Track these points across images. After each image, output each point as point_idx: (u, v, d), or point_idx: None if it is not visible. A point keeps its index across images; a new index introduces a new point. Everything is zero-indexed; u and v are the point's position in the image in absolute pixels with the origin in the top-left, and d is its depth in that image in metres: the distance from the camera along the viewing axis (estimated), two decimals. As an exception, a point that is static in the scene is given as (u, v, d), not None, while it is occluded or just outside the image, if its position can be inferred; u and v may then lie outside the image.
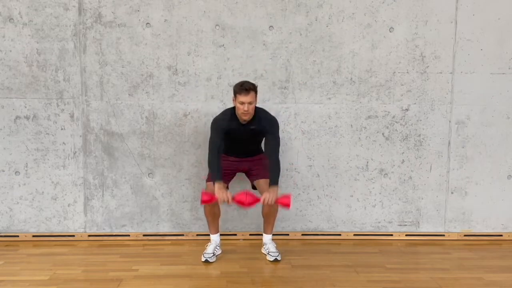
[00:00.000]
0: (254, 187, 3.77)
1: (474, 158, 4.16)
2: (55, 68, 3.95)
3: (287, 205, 3.46)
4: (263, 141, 3.75)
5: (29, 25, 3.90)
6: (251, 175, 3.77)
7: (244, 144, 3.68)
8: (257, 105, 3.58)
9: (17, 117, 3.98)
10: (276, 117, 4.02)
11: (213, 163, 3.53)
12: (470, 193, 4.19)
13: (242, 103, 3.44)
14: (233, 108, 3.57)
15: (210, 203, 3.50)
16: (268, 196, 3.43)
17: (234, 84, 3.59)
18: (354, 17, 4.00)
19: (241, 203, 3.41)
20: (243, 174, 3.83)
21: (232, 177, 3.78)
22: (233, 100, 3.54)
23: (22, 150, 4.01)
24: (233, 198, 3.41)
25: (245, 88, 3.44)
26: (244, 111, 3.45)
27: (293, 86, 4.05)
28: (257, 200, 3.43)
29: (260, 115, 3.59)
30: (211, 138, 3.61)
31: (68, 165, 4.03)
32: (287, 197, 3.48)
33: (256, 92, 3.50)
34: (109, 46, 3.95)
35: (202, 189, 3.65)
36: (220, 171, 3.50)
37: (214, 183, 3.45)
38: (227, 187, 3.65)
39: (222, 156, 3.65)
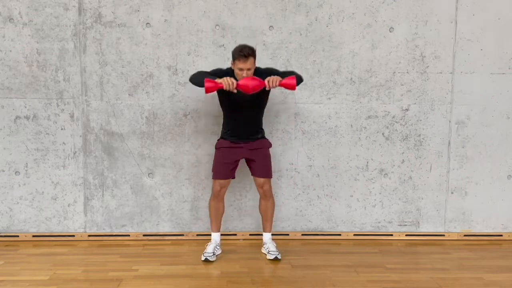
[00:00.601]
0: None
1: (474, 158, 4.16)
2: (55, 68, 3.95)
3: (292, 85, 3.35)
4: (263, 118, 3.70)
5: (29, 25, 3.90)
6: (251, 168, 3.69)
7: (244, 109, 3.53)
8: None
9: (17, 117, 3.98)
10: (276, 117, 4.05)
11: (201, 74, 3.44)
12: (470, 193, 4.19)
13: (241, 69, 3.38)
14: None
15: (214, 90, 3.35)
16: (271, 78, 3.36)
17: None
18: (354, 17, 4.00)
19: (245, 87, 3.31)
20: (240, 178, 3.83)
21: (235, 167, 3.67)
22: (232, 64, 3.46)
23: (22, 150, 4.01)
24: (237, 84, 3.33)
25: (244, 54, 3.35)
26: (242, 78, 3.38)
27: (293, 86, 4.05)
28: (261, 83, 3.33)
29: (257, 69, 3.51)
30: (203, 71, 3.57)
31: (68, 165, 4.03)
32: (292, 78, 3.37)
33: (255, 57, 3.42)
34: (109, 46, 3.95)
35: (205, 79, 3.33)
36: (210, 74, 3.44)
37: (208, 79, 3.35)
38: (234, 177, 3.68)
39: (220, 142, 3.65)
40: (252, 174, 3.72)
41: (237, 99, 3.48)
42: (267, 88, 3.39)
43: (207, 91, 3.31)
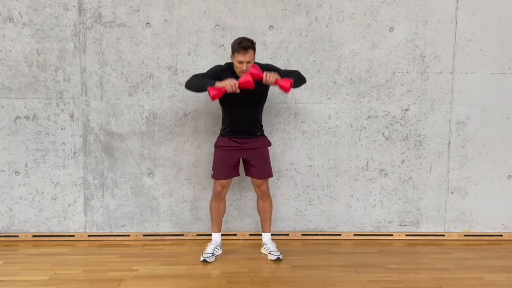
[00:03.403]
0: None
1: (474, 158, 4.16)
2: (55, 68, 3.95)
3: (285, 88, 3.31)
4: (262, 114, 3.67)
5: (29, 25, 3.90)
6: (248, 170, 3.69)
7: (243, 105, 3.50)
8: None
9: (17, 117, 3.98)
10: (276, 117, 4.05)
11: (198, 78, 3.40)
12: (470, 193, 4.19)
13: (241, 62, 3.35)
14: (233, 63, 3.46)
15: (220, 97, 3.31)
16: (270, 74, 3.30)
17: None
18: (354, 17, 4.00)
19: (247, 83, 3.27)
20: (240, 178, 3.83)
21: (237, 166, 3.66)
22: (231, 57, 3.44)
23: (22, 150, 4.01)
24: (238, 83, 3.28)
25: (243, 46, 3.32)
26: (242, 71, 3.36)
27: (293, 86, 4.04)
28: (261, 74, 3.28)
29: (258, 65, 3.45)
30: (200, 73, 3.52)
31: (68, 165, 4.03)
32: (288, 80, 3.31)
33: (254, 49, 3.39)
34: (109, 46, 3.95)
35: (208, 88, 3.30)
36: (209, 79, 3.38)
37: (211, 87, 3.30)
38: (238, 175, 3.67)
39: (219, 140, 3.63)
40: (248, 175, 3.71)
41: (237, 95, 3.45)
42: (263, 81, 3.33)
43: (213, 99, 3.29)
